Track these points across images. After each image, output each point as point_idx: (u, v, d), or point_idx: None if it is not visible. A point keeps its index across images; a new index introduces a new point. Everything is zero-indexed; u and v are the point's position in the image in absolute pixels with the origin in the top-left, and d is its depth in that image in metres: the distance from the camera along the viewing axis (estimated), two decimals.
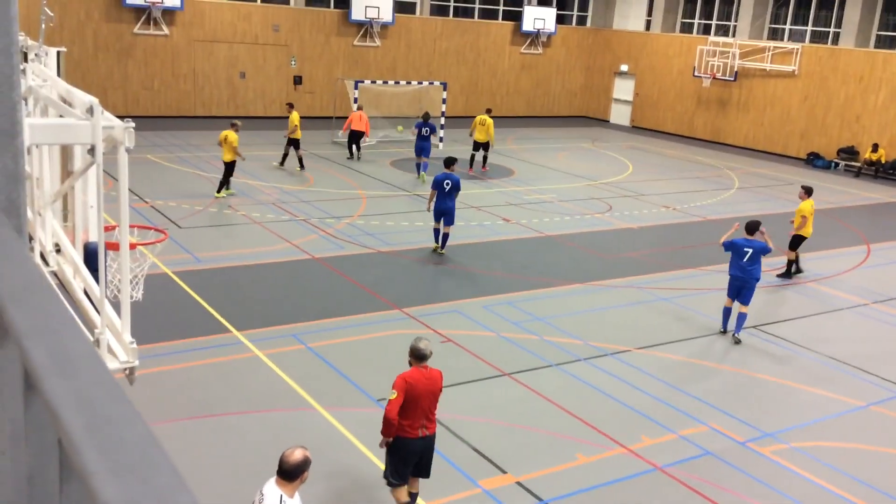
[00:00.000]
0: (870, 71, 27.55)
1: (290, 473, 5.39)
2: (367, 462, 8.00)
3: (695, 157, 28.82)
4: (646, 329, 12.12)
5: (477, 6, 34.60)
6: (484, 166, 23.40)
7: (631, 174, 24.63)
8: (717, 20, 33.28)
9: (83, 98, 3.93)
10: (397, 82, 28.97)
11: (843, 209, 21.76)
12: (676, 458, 8.51)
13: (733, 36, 31.67)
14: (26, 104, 4.97)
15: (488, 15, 34.89)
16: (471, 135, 23.57)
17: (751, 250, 11.67)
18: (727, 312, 12.07)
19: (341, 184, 20.52)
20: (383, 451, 7.17)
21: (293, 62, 30.55)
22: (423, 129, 21.45)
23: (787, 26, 31.09)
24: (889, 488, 8.29)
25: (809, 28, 30.45)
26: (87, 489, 0.83)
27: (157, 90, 28.54)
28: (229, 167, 18.06)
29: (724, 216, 19.81)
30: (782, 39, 31.02)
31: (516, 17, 34.86)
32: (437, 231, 15.15)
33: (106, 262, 4.56)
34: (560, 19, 36.00)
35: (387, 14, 31.15)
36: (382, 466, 7.40)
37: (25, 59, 6.77)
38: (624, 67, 35.85)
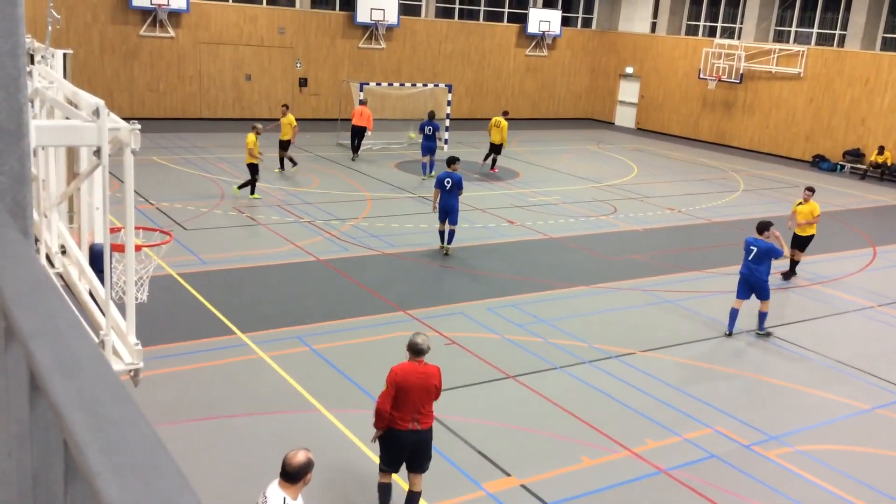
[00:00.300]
0: (875, 73, 27.49)
1: (293, 475, 5.40)
2: (370, 464, 8.00)
3: (700, 159, 28.79)
4: (650, 331, 12.11)
5: (482, 8, 34.62)
6: (493, 167, 23.54)
7: (636, 176, 24.61)
8: (723, 22, 33.24)
9: (89, 100, 3.95)
10: (402, 84, 28.99)
11: (849, 212, 21.71)
12: (681, 461, 8.49)
13: (739, 38, 31.63)
14: (32, 106, 4.99)
15: (493, 17, 34.91)
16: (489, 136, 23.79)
17: (755, 249, 11.78)
18: (734, 314, 12.07)
19: (346, 185, 20.54)
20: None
21: (298, 64, 30.60)
22: (427, 128, 21.84)
23: (793, 28, 31.04)
24: (894, 492, 8.27)
25: (815, 30, 30.40)
26: (92, 490, 0.83)
27: (162, 92, 28.61)
28: (249, 170, 18.06)
29: (730, 218, 19.78)
30: (788, 42, 30.97)
31: (521, 20, 34.88)
32: (441, 232, 15.23)
33: (111, 263, 4.58)
34: (565, 21, 36.01)
35: (392, 16, 31.19)
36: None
37: (32, 61, 6.80)
38: (629, 70, 35.83)
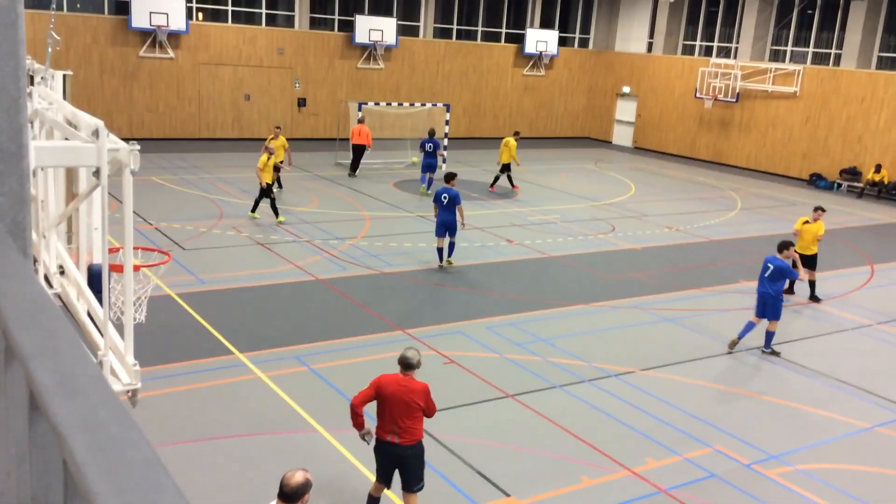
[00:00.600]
0: (871, 92, 27.64)
1: (291, 496, 5.37)
2: (369, 485, 7.95)
3: (697, 177, 28.87)
4: (650, 350, 12.09)
5: (480, 29, 34.85)
6: (492, 186, 23.76)
7: (634, 195, 24.67)
8: (719, 42, 33.46)
9: (89, 121, 3.96)
10: (401, 104, 29.13)
11: (847, 230, 21.75)
12: (681, 481, 8.45)
13: (735, 58, 31.82)
14: (32, 127, 5.01)
15: (491, 37, 35.13)
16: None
17: (771, 267, 11.92)
18: (750, 326, 12.21)
19: (345, 205, 20.57)
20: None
21: (297, 84, 30.75)
22: (427, 146, 22.49)
23: (789, 48, 31.25)
24: None
25: (811, 50, 30.60)
26: None
27: (162, 113, 28.71)
28: (261, 190, 18.00)
29: (728, 237, 19.81)
30: (784, 61, 31.17)
31: (519, 40, 35.10)
32: (440, 250, 15.49)
33: (109, 283, 4.58)
34: (562, 41, 36.24)
35: (390, 37, 31.39)
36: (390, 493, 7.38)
37: (32, 82, 6.83)
38: (626, 89, 36.01)
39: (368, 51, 31.50)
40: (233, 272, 14.46)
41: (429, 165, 22.52)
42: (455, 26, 34.33)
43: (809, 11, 30.66)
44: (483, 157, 29.72)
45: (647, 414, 9.95)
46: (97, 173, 3.76)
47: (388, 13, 32.18)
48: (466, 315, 13.13)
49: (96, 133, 3.74)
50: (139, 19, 27.09)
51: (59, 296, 5.13)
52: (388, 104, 28.69)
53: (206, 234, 16.83)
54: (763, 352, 12.21)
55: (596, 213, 21.55)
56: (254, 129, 30.06)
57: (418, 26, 33.33)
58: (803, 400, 10.82)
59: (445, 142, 26.80)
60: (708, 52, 33.74)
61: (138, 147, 4.01)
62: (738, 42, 32.28)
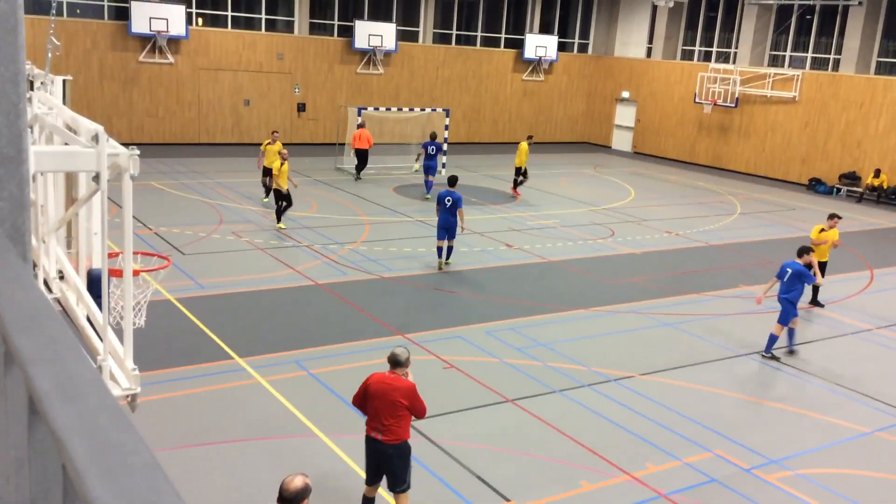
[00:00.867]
0: (870, 97, 27.68)
1: (290, 501, 5.36)
2: None
3: (696, 182, 28.89)
4: (649, 354, 12.08)
5: (479, 34, 34.90)
6: (514, 188, 23.90)
7: (633, 200, 24.68)
8: (718, 47, 33.52)
9: (88, 126, 3.97)
10: (400, 109, 29.15)
11: (846, 234, 21.73)
12: (681, 485, 8.44)
13: (734, 63, 31.87)
14: (32, 132, 5.01)
15: (490, 43, 35.18)
16: None
17: (790, 271, 12.04)
18: (791, 333, 12.37)
19: (344, 209, 20.58)
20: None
21: (297, 90, 30.78)
22: (430, 148, 22.96)
23: (788, 53, 31.29)
24: None
25: (810, 55, 30.64)
26: None
27: (161, 118, 28.73)
28: (276, 196, 17.95)
29: (727, 242, 19.81)
30: (783, 66, 31.21)
31: (518, 45, 35.14)
32: (440, 249, 15.79)
33: (109, 288, 4.58)
34: (562, 47, 36.28)
35: (390, 42, 31.43)
36: (385, 494, 7.37)
37: (31, 88, 6.84)
38: (625, 94, 36.06)
39: (368, 56, 31.54)
40: (232, 277, 14.45)
41: (429, 168, 22.91)
42: (454, 31, 34.39)
43: (808, 17, 30.72)
44: (482, 162, 29.75)
45: (646, 418, 9.95)
46: (97, 178, 3.76)
47: (387, 18, 32.22)
48: (466, 319, 13.13)
49: (96, 138, 3.75)
50: (139, 24, 27.13)
51: (58, 301, 5.13)
52: (388, 109, 28.71)
53: (206, 239, 16.83)
54: (763, 356, 12.20)
55: (595, 218, 21.56)
56: (253, 135, 30.07)
57: (418, 31, 33.38)
58: (803, 404, 10.81)
59: (445, 146, 26.81)
60: (707, 57, 33.78)
61: (138, 152, 4.01)
62: (737, 47, 32.33)
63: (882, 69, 28.77)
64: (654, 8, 34.77)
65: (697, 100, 32.21)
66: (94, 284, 5.03)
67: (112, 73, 27.66)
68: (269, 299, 13.46)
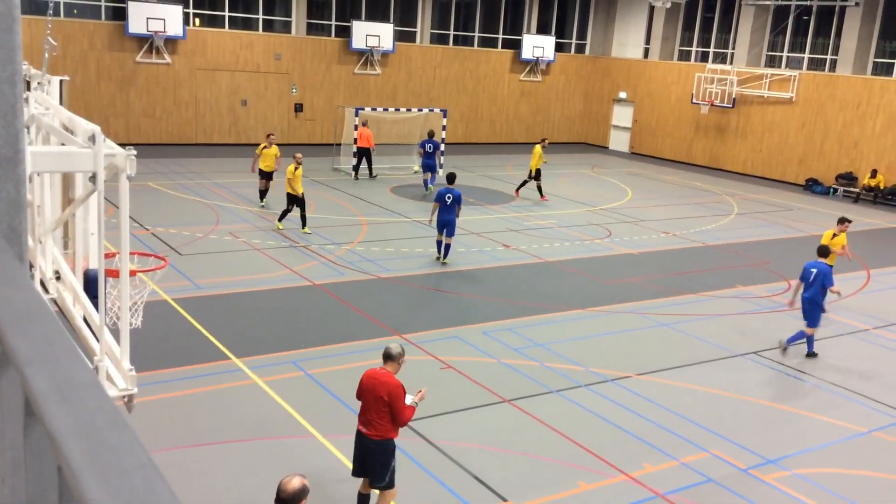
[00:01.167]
0: (867, 98, 27.73)
1: (287, 502, 5.36)
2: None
3: (693, 183, 28.92)
4: (647, 355, 12.09)
5: (476, 34, 34.91)
6: (542, 196, 23.49)
7: (630, 200, 24.70)
8: (715, 48, 33.55)
9: (85, 126, 3.96)
10: (398, 109, 29.15)
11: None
12: (678, 486, 8.45)
13: (731, 63, 31.90)
14: (29, 132, 5.01)
15: (488, 43, 35.19)
16: None
17: (815, 271, 12.16)
18: (810, 338, 12.47)
19: (342, 210, 20.57)
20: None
21: (294, 90, 30.77)
22: (427, 146, 23.26)
23: (784, 53, 31.34)
24: None
25: (807, 55, 30.69)
26: None
27: (158, 118, 28.70)
28: (288, 200, 17.69)
29: (724, 242, 19.83)
30: (780, 67, 31.25)
31: (516, 46, 35.15)
32: (439, 243, 16.14)
33: (106, 289, 4.57)
34: (559, 47, 36.29)
35: (387, 42, 31.42)
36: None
37: (28, 88, 6.83)
38: (622, 94, 36.08)
39: (365, 56, 31.53)
40: (229, 277, 14.44)
41: (428, 166, 23.16)
42: (452, 32, 34.39)
43: (805, 17, 30.76)
44: (480, 162, 29.76)
45: (643, 418, 9.95)
46: (93, 178, 3.75)
47: (384, 19, 32.22)
48: (463, 320, 13.13)
49: (93, 138, 3.74)
50: (136, 25, 27.10)
51: (55, 301, 5.12)
52: (385, 110, 28.71)
53: (203, 240, 16.82)
54: (807, 357, 12.39)
55: (592, 219, 21.57)
56: (250, 135, 30.06)
57: (415, 32, 33.38)
58: (800, 405, 10.83)
59: (442, 147, 26.81)
60: (704, 57, 33.82)
61: (135, 152, 4.01)
62: (734, 48, 32.37)
63: (879, 70, 28.81)
64: (652, 8, 34.79)
65: (694, 100, 32.24)
66: (90, 285, 5.02)
67: (109, 73, 27.62)
68: (266, 300, 13.45)
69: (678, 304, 14.73)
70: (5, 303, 1.29)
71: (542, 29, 36.04)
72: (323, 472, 8.15)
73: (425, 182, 23.37)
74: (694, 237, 20.22)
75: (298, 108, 30.93)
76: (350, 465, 8.27)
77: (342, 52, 31.29)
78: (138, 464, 0.90)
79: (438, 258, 16.18)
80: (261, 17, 30.27)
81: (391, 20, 32.23)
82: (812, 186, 28.84)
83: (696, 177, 30.29)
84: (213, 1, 29.57)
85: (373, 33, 31.04)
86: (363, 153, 24.89)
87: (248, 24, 30.21)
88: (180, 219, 18.38)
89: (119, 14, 27.65)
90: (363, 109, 26.73)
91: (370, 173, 25.24)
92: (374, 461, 7.12)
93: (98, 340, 4.26)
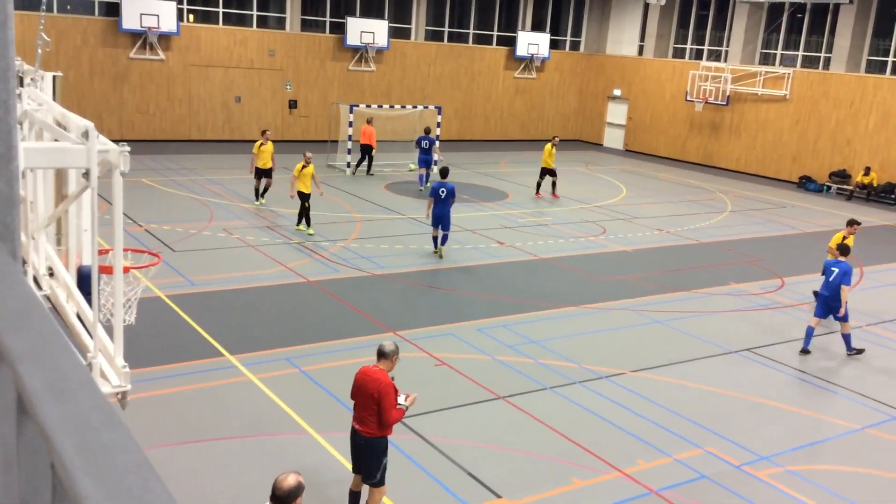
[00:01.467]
0: (861, 95, 27.80)
1: (283, 499, 5.35)
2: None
3: (688, 180, 28.96)
4: (641, 352, 12.11)
5: (471, 31, 34.88)
6: (554, 194, 23.52)
7: (625, 197, 24.73)
8: (709, 45, 33.59)
9: (78, 122, 3.95)
10: (392, 106, 29.12)
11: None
12: (672, 482, 8.47)
13: (725, 61, 31.95)
14: (22, 128, 4.99)
15: (482, 40, 35.17)
16: None
17: (836, 270, 12.23)
18: (810, 332, 12.49)
19: (336, 207, 20.54)
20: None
21: (288, 86, 30.71)
22: (424, 143, 23.54)
23: (779, 51, 31.39)
24: None
25: (800, 53, 30.75)
26: None
27: (152, 114, 28.62)
28: (300, 199, 17.41)
29: (718, 239, 19.88)
30: (774, 64, 31.31)
31: (510, 43, 35.15)
32: (435, 238, 16.34)
33: (99, 285, 4.56)
34: (553, 44, 36.31)
35: (382, 39, 31.38)
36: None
37: (21, 84, 6.80)
38: (617, 92, 36.11)
39: (360, 53, 31.49)
40: (223, 274, 14.42)
41: (425, 161, 23.36)
42: (446, 29, 34.36)
43: (799, 15, 30.82)
44: (474, 159, 29.76)
45: (637, 415, 9.97)
46: (87, 175, 3.74)
47: (379, 15, 32.18)
48: (457, 317, 13.13)
49: (86, 134, 3.73)
50: (129, 21, 27.01)
51: (48, 298, 5.11)
52: (380, 106, 28.68)
53: (197, 236, 16.78)
54: (848, 355, 12.46)
55: (587, 216, 21.59)
56: (244, 131, 30.00)
57: (410, 28, 33.34)
58: (793, 401, 10.86)
59: (437, 144, 26.80)
60: (698, 55, 33.86)
61: (128, 149, 4.00)
62: (728, 45, 32.41)
63: (872, 68, 28.89)
64: (646, 6, 34.82)
65: (689, 98, 32.28)
66: (83, 281, 5.01)
67: (102, 69, 27.53)
68: (260, 296, 13.43)
69: (672, 300, 14.75)
70: None
71: (537, 26, 36.04)
72: (318, 469, 8.15)
73: (420, 178, 23.56)
74: (688, 234, 20.26)
75: (293, 104, 30.88)
76: (347, 465, 8.28)
77: (336, 48, 31.24)
78: (132, 461, 0.89)
79: (435, 252, 16.30)
80: (255, 13, 30.20)
81: (386, 17, 32.19)
82: (805, 184, 28.91)
83: (690, 174, 30.34)
84: None
85: (367, 30, 30.99)
86: (366, 150, 24.92)
87: (242, 20, 30.14)
88: (174, 215, 18.33)
89: (112, 10, 27.56)
90: (357, 106, 26.71)
91: (368, 171, 25.27)
92: (365, 457, 7.15)
93: (92, 337, 4.25)
